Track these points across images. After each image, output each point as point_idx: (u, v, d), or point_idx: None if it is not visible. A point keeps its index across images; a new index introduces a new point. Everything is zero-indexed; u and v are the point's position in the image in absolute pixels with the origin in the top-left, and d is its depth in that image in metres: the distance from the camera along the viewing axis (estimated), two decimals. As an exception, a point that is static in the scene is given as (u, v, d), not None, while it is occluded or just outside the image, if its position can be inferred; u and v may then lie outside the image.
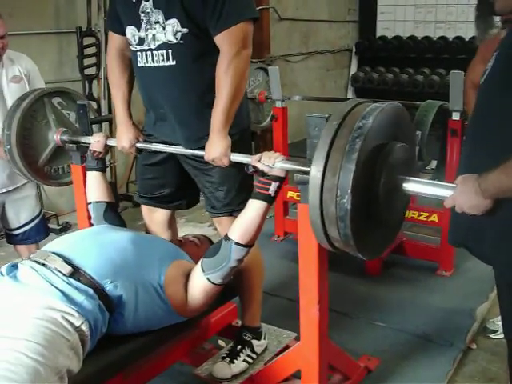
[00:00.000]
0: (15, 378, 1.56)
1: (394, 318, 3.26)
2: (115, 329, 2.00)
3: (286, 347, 2.64)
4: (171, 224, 2.72)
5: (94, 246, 2.10)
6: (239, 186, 2.41)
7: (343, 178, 1.63)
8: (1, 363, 1.59)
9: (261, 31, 7.09)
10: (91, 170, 2.63)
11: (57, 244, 2.13)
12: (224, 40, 2.19)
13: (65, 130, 2.75)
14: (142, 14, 2.28)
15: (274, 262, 3.82)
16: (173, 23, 2.22)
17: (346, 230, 1.68)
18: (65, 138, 2.73)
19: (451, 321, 3.18)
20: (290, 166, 1.98)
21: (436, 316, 3.23)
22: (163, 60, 2.31)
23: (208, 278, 2.10)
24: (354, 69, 9.09)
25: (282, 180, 2.02)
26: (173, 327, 2.18)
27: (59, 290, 1.86)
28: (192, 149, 2.36)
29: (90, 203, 2.59)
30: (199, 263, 2.15)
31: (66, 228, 4.86)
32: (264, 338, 2.67)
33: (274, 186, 2.00)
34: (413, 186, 1.80)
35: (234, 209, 2.42)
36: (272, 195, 2.01)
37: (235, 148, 2.29)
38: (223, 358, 2.55)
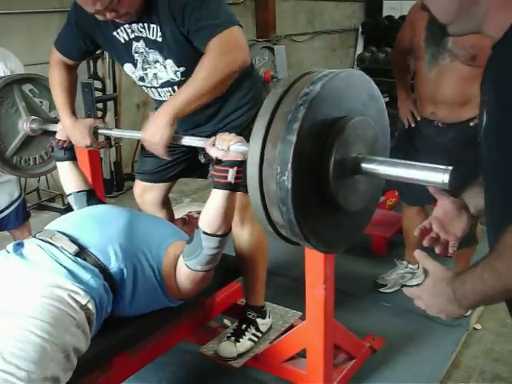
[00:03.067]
0: (23, 355, 1.57)
1: (399, 298, 3.25)
2: (116, 311, 2.00)
3: (291, 326, 2.65)
4: (165, 205, 2.70)
5: (97, 225, 2.08)
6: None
7: (283, 152, 1.37)
8: (9, 340, 1.60)
9: (266, 10, 7.04)
10: (60, 160, 2.48)
11: (61, 222, 2.13)
12: (214, 44, 1.96)
13: (34, 117, 2.62)
14: (136, 55, 2.21)
15: (279, 241, 3.80)
16: (170, 63, 2.17)
17: (289, 214, 1.41)
18: (34, 126, 2.61)
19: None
20: (245, 148, 1.76)
21: (441, 296, 3.23)
22: (170, 95, 2.27)
23: (186, 265, 2.03)
24: (359, 49, 9.03)
25: (240, 164, 1.83)
26: (178, 306, 2.18)
27: (66, 268, 1.86)
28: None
29: (70, 194, 2.49)
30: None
31: (70, 208, 4.82)
32: (268, 317, 2.67)
33: (231, 172, 1.83)
34: (374, 166, 1.50)
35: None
36: (232, 182, 1.85)
37: (247, 131, 2.26)
38: (228, 338, 2.56)
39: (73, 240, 1.96)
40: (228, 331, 2.64)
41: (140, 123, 5.59)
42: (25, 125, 2.61)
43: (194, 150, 2.50)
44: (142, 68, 2.24)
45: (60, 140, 2.43)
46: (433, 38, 2.08)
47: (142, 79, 2.30)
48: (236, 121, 2.33)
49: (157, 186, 2.62)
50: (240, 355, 2.52)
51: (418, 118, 3.02)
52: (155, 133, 2.01)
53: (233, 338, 2.54)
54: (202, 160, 1.91)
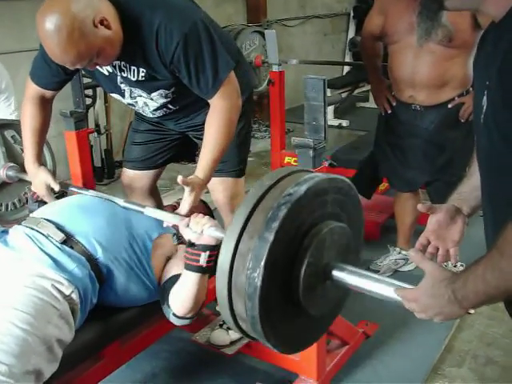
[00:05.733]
0: (4, 348, 1.56)
1: (392, 284, 3.25)
2: (106, 301, 1.98)
3: (284, 313, 2.64)
4: (152, 192, 2.68)
5: (84, 215, 2.05)
6: (235, 153, 2.39)
7: (258, 248, 1.34)
8: None
9: (257, -6, 6.98)
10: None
11: (46, 211, 2.10)
12: (215, 101, 2.04)
13: (12, 164, 2.54)
14: (122, 85, 2.16)
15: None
16: (158, 93, 2.14)
17: (253, 311, 1.37)
18: (11, 173, 2.52)
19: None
20: (219, 234, 1.74)
21: (434, 281, 3.23)
22: (164, 112, 2.26)
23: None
24: (351, 33, 8.97)
25: (213, 248, 1.80)
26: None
27: (50, 256, 1.83)
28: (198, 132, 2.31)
29: None
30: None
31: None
32: (261, 304, 2.65)
33: (203, 256, 1.80)
34: (344, 275, 1.48)
35: (226, 171, 2.39)
36: (204, 266, 1.82)
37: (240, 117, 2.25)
38: (221, 325, 2.55)
39: (59, 228, 1.94)
40: (220, 318, 2.62)
41: (130, 110, 5.54)
42: (1, 171, 2.53)
43: (182, 136, 2.49)
44: (131, 97, 2.20)
45: (35, 193, 2.34)
46: (427, 12, 2.03)
47: (132, 105, 2.27)
48: None
49: (146, 174, 2.59)
50: (233, 342, 2.51)
51: (394, 104, 3.02)
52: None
53: (225, 326, 2.53)
54: (175, 242, 1.90)
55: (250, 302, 1.36)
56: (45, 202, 2.33)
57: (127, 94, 2.20)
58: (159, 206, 2.68)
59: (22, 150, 2.53)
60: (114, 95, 2.27)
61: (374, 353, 2.68)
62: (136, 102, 2.22)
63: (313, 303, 1.49)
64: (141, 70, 2.04)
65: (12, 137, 2.63)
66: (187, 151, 2.61)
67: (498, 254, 1.08)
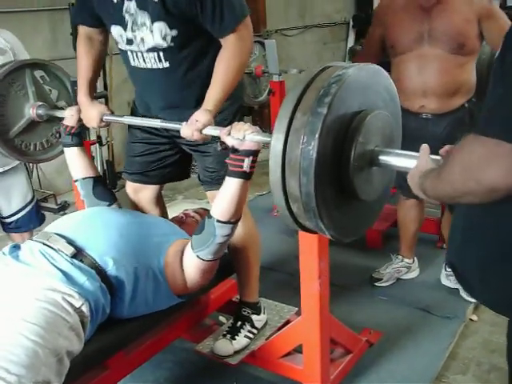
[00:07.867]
0: (14, 359, 1.56)
1: (395, 292, 3.25)
2: (115, 314, 1.99)
3: (287, 322, 2.64)
4: (158, 202, 2.69)
5: (95, 227, 2.08)
6: None
7: (312, 123, 1.39)
8: (1, 344, 1.59)
9: (256, 5, 6.99)
10: (67, 146, 2.50)
11: (58, 225, 2.12)
12: (230, 39, 2.15)
13: (41, 103, 2.63)
14: (127, 15, 2.18)
15: (273, 236, 3.80)
16: (159, 26, 2.15)
17: (308, 186, 1.41)
18: (41, 111, 2.62)
19: (452, 293, 3.17)
20: (260, 138, 1.83)
21: (437, 289, 3.23)
22: (155, 62, 2.26)
23: (198, 256, 2.04)
24: (351, 42, 9.00)
25: (255, 154, 1.88)
26: (173, 304, 2.16)
27: (61, 270, 1.85)
28: None
29: (77, 181, 2.50)
30: (190, 241, 2.10)
31: (64, 207, 4.83)
32: (263, 313, 2.66)
33: (247, 161, 1.87)
34: (391, 158, 1.56)
35: None
36: (247, 172, 1.89)
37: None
38: (224, 335, 2.55)
39: (70, 242, 1.96)
40: (223, 329, 2.62)
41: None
42: (31, 110, 2.62)
43: (177, 149, 2.49)
44: (132, 29, 2.22)
45: (68, 126, 2.45)
46: None
47: (130, 42, 2.27)
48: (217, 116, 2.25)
49: (148, 186, 2.61)
50: (236, 352, 2.51)
51: None
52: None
53: (228, 336, 2.53)
54: (219, 148, 1.95)
55: (305, 176, 1.40)
56: (77, 135, 2.46)
57: (129, 25, 2.21)
58: (164, 215, 2.68)
59: (51, 90, 2.69)
60: (114, 30, 2.28)
61: (378, 361, 2.67)
62: (135, 36, 2.22)
63: (361, 186, 1.54)
64: None
65: (41, 77, 2.70)
66: (183, 170, 2.64)
67: (441, 169, 1.25)
